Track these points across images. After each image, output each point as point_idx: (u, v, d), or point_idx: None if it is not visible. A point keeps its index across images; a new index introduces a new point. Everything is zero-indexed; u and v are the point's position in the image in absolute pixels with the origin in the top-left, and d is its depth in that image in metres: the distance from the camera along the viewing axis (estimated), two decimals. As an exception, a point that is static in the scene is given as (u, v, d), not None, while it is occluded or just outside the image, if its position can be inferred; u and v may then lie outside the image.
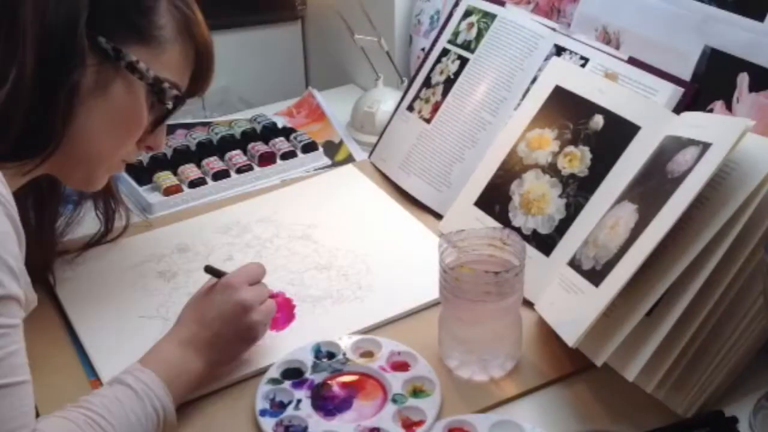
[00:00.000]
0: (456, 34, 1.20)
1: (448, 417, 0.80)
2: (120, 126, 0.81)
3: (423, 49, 1.36)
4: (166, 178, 1.20)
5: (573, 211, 0.94)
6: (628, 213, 0.82)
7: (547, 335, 0.90)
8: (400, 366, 0.86)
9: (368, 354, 0.87)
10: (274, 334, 0.91)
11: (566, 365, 0.86)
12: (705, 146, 0.77)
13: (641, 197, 0.82)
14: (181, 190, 1.19)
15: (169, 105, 0.82)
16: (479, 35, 1.17)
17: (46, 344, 0.92)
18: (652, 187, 0.81)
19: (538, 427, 0.78)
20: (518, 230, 0.98)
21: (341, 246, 1.06)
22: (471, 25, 1.18)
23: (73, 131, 0.76)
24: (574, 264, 0.86)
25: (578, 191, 0.94)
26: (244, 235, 1.10)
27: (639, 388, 0.78)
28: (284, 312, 0.95)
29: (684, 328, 0.76)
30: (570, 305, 0.83)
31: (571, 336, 0.79)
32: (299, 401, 0.82)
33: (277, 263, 1.03)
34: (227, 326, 0.83)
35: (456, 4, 1.22)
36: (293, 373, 0.85)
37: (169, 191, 1.18)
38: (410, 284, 0.98)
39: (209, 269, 0.88)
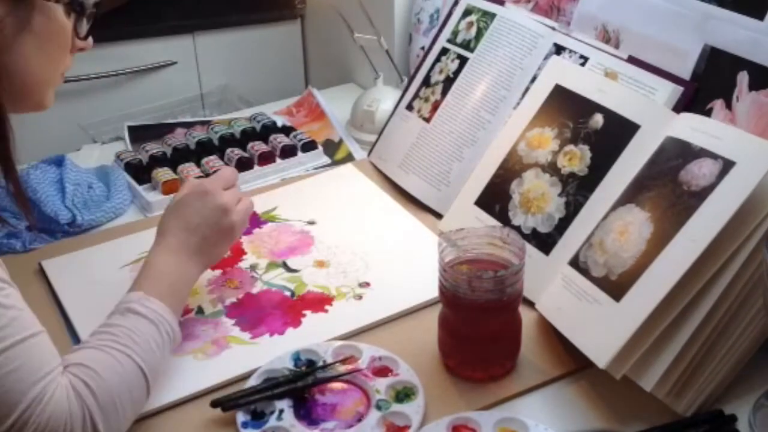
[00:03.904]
0: (455, 33, 1.20)
1: (452, 414, 0.79)
2: (52, 51, 0.81)
3: (423, 48, 1.36)
4: (164, 174, 1.20)
5: (572, 210, 0.94)
6: (640, 221, 0.82)
7: (547, 334, 0.90)
8: (382, 371, 0.85)
9: (349, 360, 0.86)
10: (268, 338, 0.91)
11: (566, 363, 0.86)
12: (726, 163, 0.77)
13: (652, 204, 0.82)
14: (181, 189, 1.19)
15: (89, 10, 0.82)
16: (479, 34, 1.17)
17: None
18: (664, 195, 0.81)
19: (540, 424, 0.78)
20: (518, 229, 0.97)
21: (340, 243, 1.06)
22: (470, 24, 1.18)
23: (12, 72, 0.76)
24: (578, 266, 0.86)
25: (578, 190, 0.94)
26: (244, 232, 1.10)
27: (638, 385, 0.79)
28: (288, 315, 0.94)
29: (697, 336, 0.77)
30: (586, 317, 0.83)
31: (600, 357, 0.79)
32: (281, 411, 0.80)
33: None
34: (211, 229, 0.88)
35: (455, 3, 1.22)
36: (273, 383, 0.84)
37: (167, 187, 1.18)
38: (410, 282, 0.98)
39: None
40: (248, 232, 1.08)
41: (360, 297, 0.97)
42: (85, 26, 0.83)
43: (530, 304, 0.93)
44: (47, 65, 0.81)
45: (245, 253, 1.05)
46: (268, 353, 0.88)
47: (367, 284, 0.99)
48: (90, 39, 0.87)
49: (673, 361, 0.77)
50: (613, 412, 0.81)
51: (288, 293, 0.98)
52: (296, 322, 0.93)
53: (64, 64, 0.84)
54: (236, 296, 0.98)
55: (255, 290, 0.99)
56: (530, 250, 0.95)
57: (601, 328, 0.81)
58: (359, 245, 1.06)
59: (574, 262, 0.88)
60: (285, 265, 1.03)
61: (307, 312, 0.95)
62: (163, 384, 0.84)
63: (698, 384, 0.79)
